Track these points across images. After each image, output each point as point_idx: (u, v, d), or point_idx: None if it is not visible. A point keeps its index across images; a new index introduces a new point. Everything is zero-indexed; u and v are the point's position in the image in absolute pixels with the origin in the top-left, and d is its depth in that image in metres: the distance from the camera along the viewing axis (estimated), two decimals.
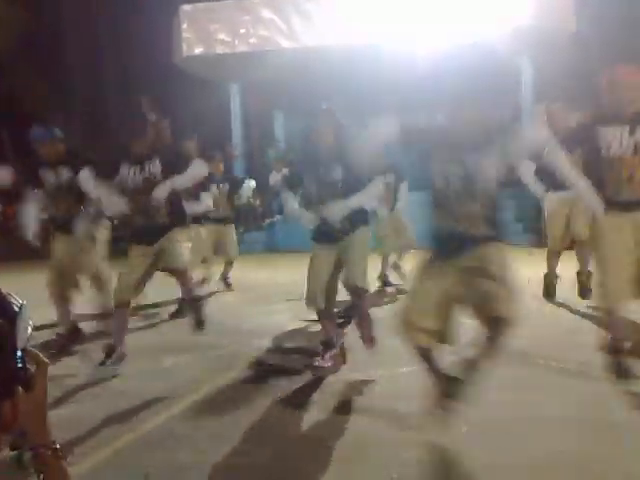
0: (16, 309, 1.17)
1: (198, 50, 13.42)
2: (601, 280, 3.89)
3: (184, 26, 13.40)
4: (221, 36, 13.26)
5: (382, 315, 5.05)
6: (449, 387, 3.22)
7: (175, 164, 5.04)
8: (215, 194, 7.97)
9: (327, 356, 4.54)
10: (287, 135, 16.73)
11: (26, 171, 5.83)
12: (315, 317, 4.89)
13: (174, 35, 13.71)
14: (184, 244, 5.95)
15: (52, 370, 1.26)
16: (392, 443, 3.28)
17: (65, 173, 5.52)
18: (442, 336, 3.30)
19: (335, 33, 12.47)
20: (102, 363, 4.85)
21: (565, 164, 3.94)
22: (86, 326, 6.09)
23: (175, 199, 5.15)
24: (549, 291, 6.84)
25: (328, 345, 4.60)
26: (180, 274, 5.27)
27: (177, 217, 5.28)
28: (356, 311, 4.97)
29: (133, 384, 4.62)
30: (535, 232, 11.92)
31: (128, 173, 4.97)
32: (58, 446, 1.28)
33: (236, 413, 3.89)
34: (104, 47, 22.59)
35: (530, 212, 11.71)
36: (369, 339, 4.75)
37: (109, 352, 4.88)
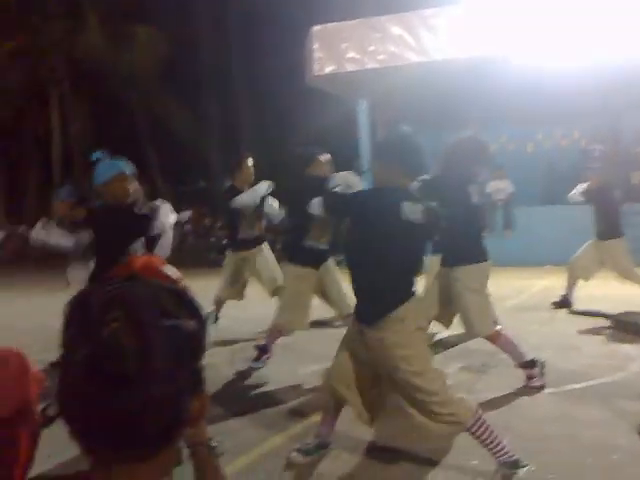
0: (204, 313, 1.29)
1: (329, 69, 13.71)
2: None
3: (315, 46, 13.71)
4: (351, 54, 13.48)
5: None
6: None
7: None
8: None
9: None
10: None
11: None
12: None
13: (305, 55, 14.08)
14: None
15: None
16: None
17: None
18: None
19: (463, 46, 12.35)
20: (256, 359, 5.49)
21: None
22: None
23: None
24: None
25: (529, 364, 4.67)
26: None
27: None
28: None
29: (274, 387, 4.85)
30: None
31: None
32: (215, 444, 1.37)
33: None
34: (238, 66, 23.74)
35: None
36: None
37: (261, 351, 5.51)
